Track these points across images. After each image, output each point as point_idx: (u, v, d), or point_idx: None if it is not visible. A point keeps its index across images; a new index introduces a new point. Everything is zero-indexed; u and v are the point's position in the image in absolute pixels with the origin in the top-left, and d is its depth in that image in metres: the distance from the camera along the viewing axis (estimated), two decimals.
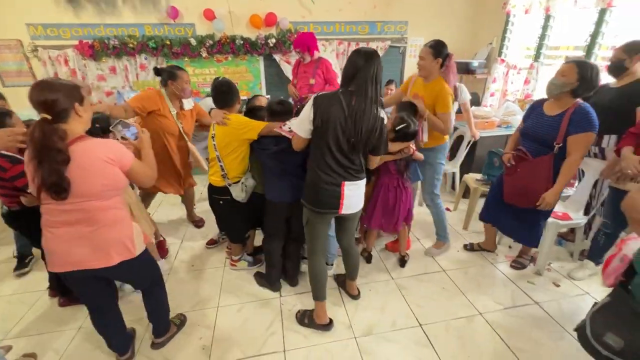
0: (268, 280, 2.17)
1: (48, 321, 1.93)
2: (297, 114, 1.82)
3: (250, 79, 4.12)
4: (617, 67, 1.97)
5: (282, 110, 1.88)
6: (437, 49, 1.97)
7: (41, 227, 1.27)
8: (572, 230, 2.49)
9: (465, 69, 3.89)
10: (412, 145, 2.04)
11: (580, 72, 1.67)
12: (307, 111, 1.50)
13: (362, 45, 4.06)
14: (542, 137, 1.86)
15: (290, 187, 1.90)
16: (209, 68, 3.99)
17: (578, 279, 2.17)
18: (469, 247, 2.52)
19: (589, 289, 2.10)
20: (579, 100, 1.76)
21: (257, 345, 1.75)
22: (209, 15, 3.66)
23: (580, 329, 1.12)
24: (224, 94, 1.92)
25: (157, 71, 2.30)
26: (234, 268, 2.35)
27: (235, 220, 2.16)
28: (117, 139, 1.47)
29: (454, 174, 3.32)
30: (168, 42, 3.68)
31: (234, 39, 3.79)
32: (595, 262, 2.16)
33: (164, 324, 1.75)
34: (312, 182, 1.62)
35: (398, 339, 1.77)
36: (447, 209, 3.14)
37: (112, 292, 1.58)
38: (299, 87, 3.15)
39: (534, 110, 1.96)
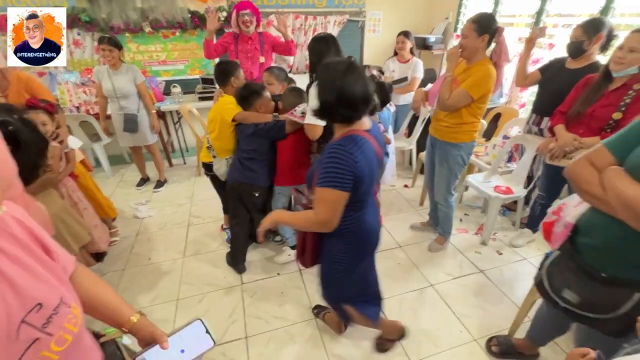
0: (233, 262, 2.21)
1: None
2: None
3: (202, 56, 3.84)
4: (576, 48, 1.85)
5: (248, 94, 1.87)
6: (482, 23, 1.66)
7: None
8: (515, 201, 2.70)
9: (423, 45, 3.90)
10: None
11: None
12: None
13: (319, 19, 3.91)
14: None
15: (242, 167, 1.94)
16: (155, 44, 3.65)
17: (518, 246, 2.38)
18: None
19: (527, 255, 2.31)
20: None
21: (218, 334, 1.76)
22: None
23: (539, 283, 1.15)
24: (218, 73, 2.05)
25: None
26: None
27: (221, 192, 2.29)
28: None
29: (410, 151, 3.42)
30: (104, 16, 3.30)
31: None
32: (532, 230, 2.37)
33: None
34: None
35: None
36: (405, 186, 3.27)
37: None
38: (246, 69, 2.90)
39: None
